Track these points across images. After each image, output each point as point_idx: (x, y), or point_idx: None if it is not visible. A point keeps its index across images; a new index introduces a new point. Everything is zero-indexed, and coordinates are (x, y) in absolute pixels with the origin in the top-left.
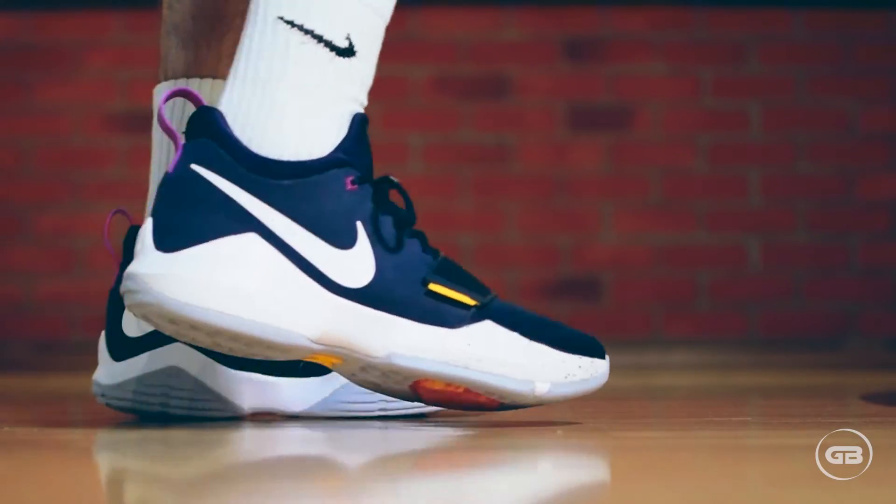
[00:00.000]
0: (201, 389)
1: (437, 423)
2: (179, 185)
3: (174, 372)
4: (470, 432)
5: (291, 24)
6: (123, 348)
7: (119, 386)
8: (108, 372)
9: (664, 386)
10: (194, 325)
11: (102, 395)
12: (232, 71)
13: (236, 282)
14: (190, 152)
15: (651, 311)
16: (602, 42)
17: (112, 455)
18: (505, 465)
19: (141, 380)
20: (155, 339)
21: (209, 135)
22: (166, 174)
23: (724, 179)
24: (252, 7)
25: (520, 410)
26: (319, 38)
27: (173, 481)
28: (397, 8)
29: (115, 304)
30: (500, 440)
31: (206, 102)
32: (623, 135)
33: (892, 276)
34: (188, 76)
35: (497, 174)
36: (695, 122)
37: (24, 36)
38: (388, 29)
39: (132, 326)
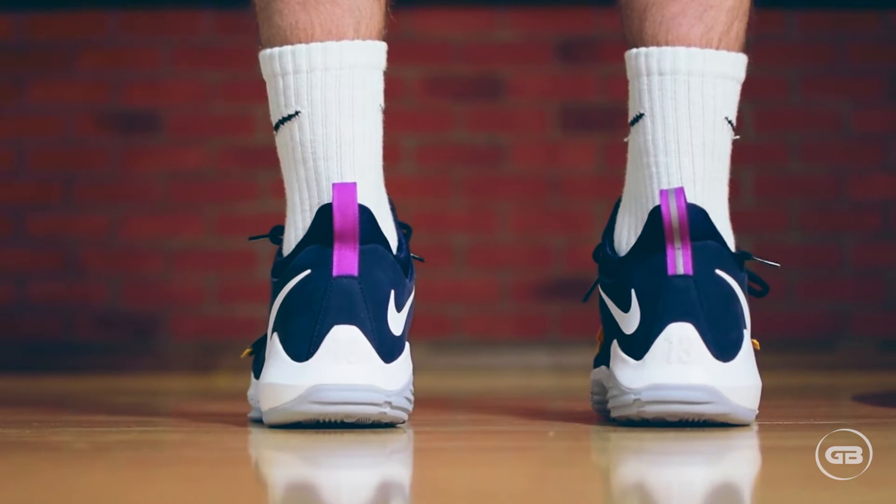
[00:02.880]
0: None
1: (424, 425)
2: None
3: None
4: (462, 432)
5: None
6: None
7: None
8: None
9: None
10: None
11: None
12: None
13: None
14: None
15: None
16: (595, 43)
17: (105, 458)
18: (497, 467)
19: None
20: None
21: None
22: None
23: None
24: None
25: (513, 412)
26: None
27: (165, 484)
28: (391, 8)
29: None
30: (493, 442)
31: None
32: (616, 136)
33: (885, 277)
34: None
35: (490, 175)
36: None
37: (17, 36)
38: None
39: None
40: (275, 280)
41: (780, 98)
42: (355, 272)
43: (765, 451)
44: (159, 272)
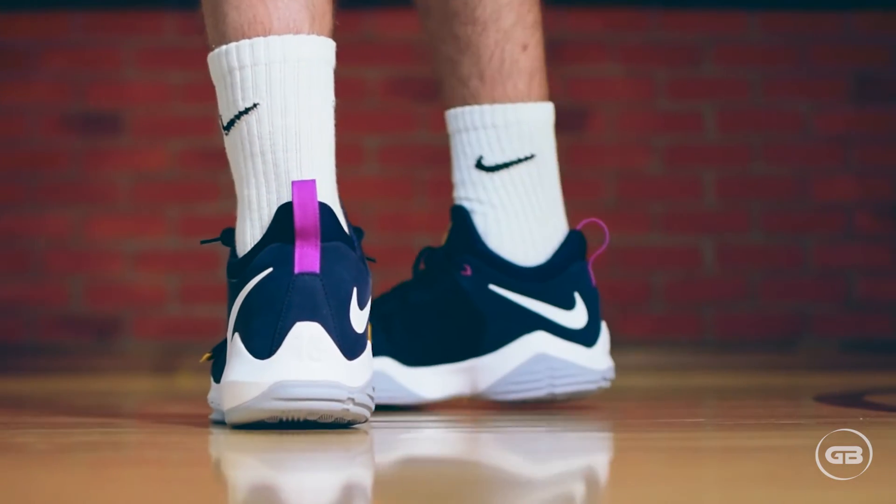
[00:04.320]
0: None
1: (387, 426)
2: None
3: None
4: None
5: None
6: None
7: None
8: None
9: (619, 387)
10: None
11: None
12: None
13: None
14: None
15: (606, 313)
16: (557, 43)
17: (66, 459)
18: (457, 468)
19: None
20: None
21: None
22: None
23: (678, 181)
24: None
25: (476, 417)
26: None
27: (127, 485)
28: (352, 9)
29: None
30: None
31: None
32: (578, 136)
33: (847, 278)
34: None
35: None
36: (650, 123)
37: None
38: (344, 30)
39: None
40: (233, 281)
41: (743, 99)
42: (317, 269)
43: (725, 450)
44: (122, 273)
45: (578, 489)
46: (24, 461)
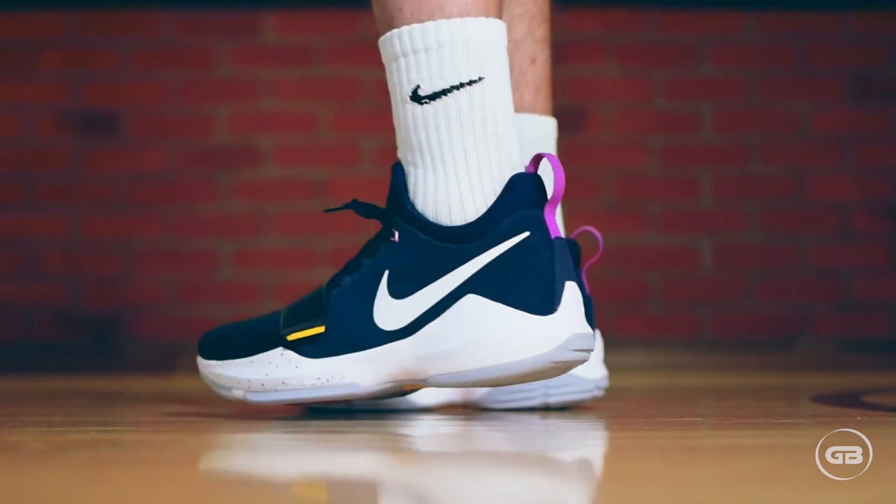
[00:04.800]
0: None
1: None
2: None
3: None
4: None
5: None
6: None
7: None
8: None
9: (616, 387)
10: None
11: None
12: None
13: None
14: None
15: (603, 312)
16: (555, 43)
17: (62, 457)
18: (458, 470)
19: None
20: None
21: None
22: None
23: (676, 180)
24: None
25: (470, 415)
26: None
27: (124, 483)
28: (352, 9)
29: None
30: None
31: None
32: (576, 136)
33: (843, 277)
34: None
35: None
36: (647, 123)
37: None
38: (339, 30)
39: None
40: (461, 246)
41: (740, 99)
42: (562, 234)
43: (721, 449)
44: (119, 273)
45: (576, 488)
46: (21, 459)
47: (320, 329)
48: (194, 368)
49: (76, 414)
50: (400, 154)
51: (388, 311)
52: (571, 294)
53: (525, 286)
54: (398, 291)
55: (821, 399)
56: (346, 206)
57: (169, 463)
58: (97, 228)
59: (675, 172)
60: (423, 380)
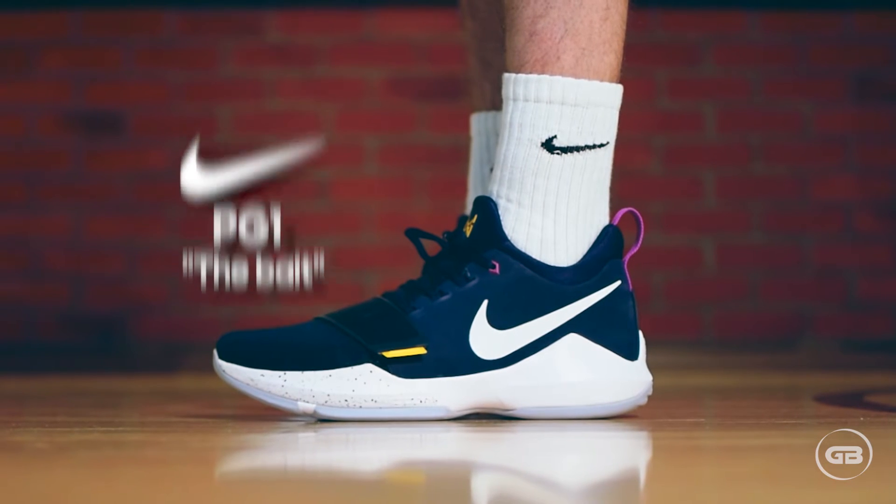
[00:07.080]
0: None
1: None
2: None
3: None
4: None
5: None
6: None
7: None
8: None
9: None
10: None
11: None
12: None
13: None
14: None
15: None
16: None
17: (65, 457)
18: (461, 467)
19: None
20: None
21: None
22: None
23: (678, 181)
24: None
25: (479, 417)
26: None
27: (127, 484)
28: (352, 9)
29: None
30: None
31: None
32: None
33: (846, 277)
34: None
35: (453, 176)
36: (650, 123)
37: None
38: (344, 30)
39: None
40: (570, 287)
41: (743, 99)
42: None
43: (724, 450)
44: (123, 273)
45: (579, 487)
46: (24, 460)
47: (421, 350)
48: (198, 368)
49: (79, 414)
50: (495, 188)
51: (487, 340)
52: (643, 342)
53: (617, 331)
54: (499, 322)
55: (824, 399)
56: (433, 238)
57: (172, 463)
58: (101, 228)
59: (678, 172)
60: (511, 409)
